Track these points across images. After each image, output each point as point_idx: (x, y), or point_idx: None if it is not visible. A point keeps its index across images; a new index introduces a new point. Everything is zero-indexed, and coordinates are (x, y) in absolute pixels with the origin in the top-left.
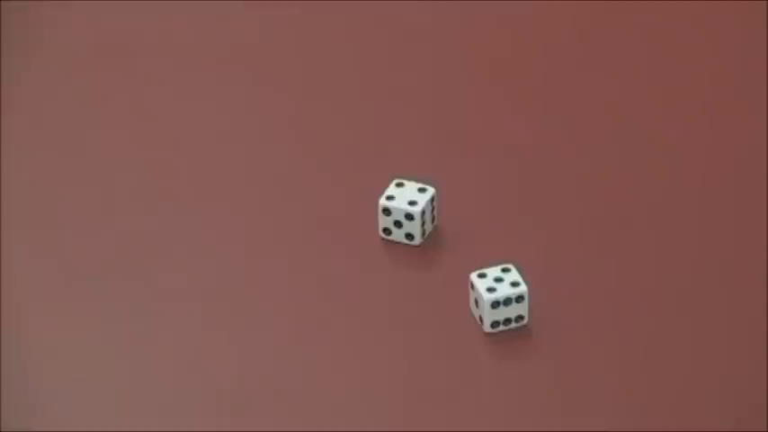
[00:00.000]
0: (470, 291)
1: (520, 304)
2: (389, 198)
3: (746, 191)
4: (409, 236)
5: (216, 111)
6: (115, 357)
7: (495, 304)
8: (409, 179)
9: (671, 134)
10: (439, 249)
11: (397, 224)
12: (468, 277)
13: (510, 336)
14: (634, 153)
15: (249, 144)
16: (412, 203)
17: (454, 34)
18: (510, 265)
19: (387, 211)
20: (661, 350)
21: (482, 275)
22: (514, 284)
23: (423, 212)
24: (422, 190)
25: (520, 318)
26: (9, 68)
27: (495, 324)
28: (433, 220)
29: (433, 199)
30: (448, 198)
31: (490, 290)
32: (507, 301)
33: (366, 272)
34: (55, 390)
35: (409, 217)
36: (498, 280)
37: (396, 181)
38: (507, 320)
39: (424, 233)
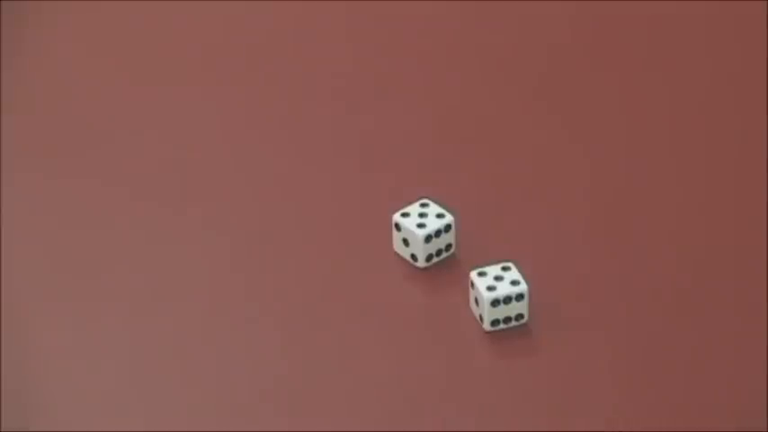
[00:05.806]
0: (470, 289)
1: (520, 303)
2: (404, 215)
3: (747, 190)
4: (414, 257)
5: (222, 114)
6: (115, 357)
7: (495, 302)
8: (436, 201)
9: (671, 133)
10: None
11: (405, 242)
12: (468, 275)
13: (510, 334)
14: (634, 152)
15: (260, 147)
16: (420, 226)
17: (457, 34)
18: (510, 264)
19: (398, 227)
20: (661, 350)
21: (482, 274)
22: (514, 283)
23: (428, 237)
24: (440, 215)
25: (520, 316)
26: (9, 68)
27: (495, 322)
28: (448, 247)
29: (448, 227)
30: (447, 196)
31: (490, 288)
32: (507, 300)
33: (367, 272)
34: (55, 390)
35: (414, 238)
36: (498, 278)
37: (421, 201)
38: (507, 319)
39: (429, 258)
